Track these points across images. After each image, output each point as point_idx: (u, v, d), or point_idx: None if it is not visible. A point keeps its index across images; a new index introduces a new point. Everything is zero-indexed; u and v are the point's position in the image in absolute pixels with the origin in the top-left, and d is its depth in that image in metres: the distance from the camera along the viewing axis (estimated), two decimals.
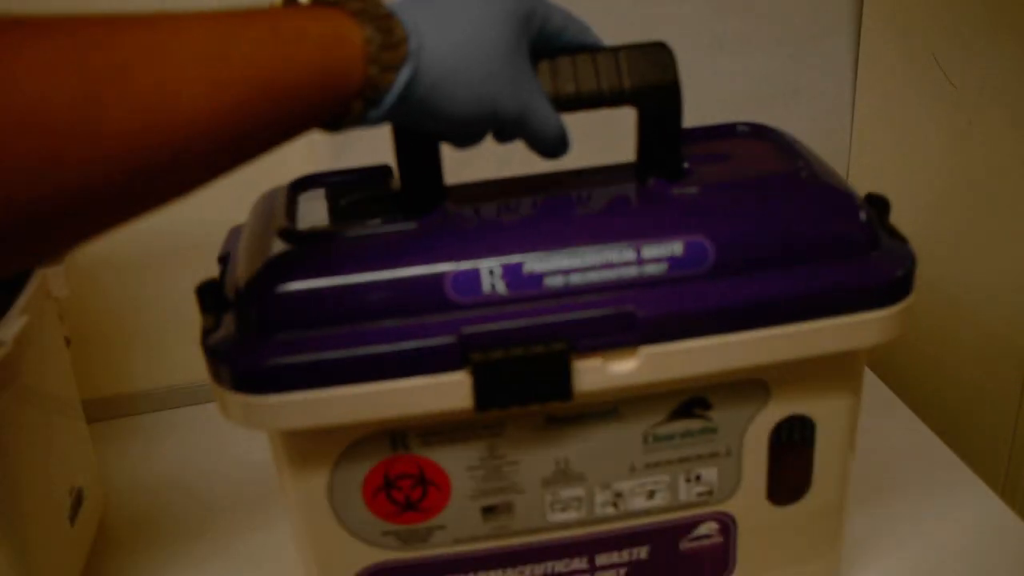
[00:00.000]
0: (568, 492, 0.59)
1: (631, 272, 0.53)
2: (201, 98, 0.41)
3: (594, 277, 0.53)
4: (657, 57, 0.57)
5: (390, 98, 0.48)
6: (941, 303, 0.95)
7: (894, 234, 0.58)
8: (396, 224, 0.55)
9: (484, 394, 0.52)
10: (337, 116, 0.48)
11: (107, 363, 1.01)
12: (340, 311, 0.52)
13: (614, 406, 0.57)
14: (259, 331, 0.52)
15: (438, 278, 0.52)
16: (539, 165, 0.62)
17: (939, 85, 0.90)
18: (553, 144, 0.55)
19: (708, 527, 0.62)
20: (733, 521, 0.62)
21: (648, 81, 0.57)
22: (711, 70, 1.02)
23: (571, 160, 0.60)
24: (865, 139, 1.06)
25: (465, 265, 0.52)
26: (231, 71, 0.42)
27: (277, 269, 0.53)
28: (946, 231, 0.93)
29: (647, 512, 0.61)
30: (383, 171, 0.63)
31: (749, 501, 0.62)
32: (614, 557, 0.62)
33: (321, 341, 0.51)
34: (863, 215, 0.55)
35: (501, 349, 0.51)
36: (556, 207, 0.58)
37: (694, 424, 0.58)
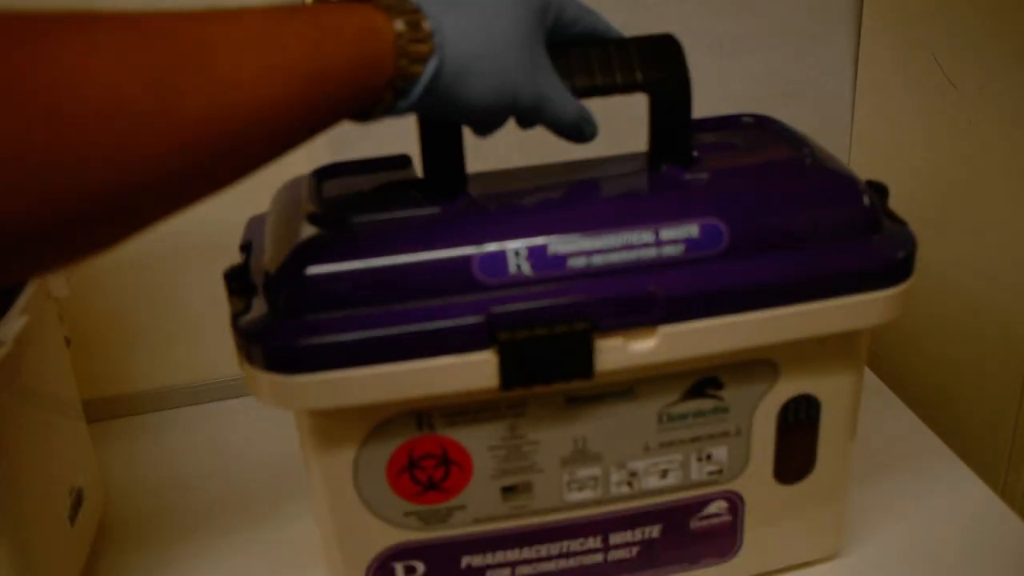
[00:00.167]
0: (585, 471, 0.67)
1: (650, 253, 0.60)
2: (259, 85, 0.47)
3: (615, 258, 0.60)
4: (667, 49, 0.65)
5: (418, 89, 0.55)
6: (941, 302, 1.00)
7: (894, 218, 0.66)
8: (421, 209, 0.62)
9: (509, 373, 0.59)
10: (368, 106, 0.55)
11: (107, 363, 1.05)
12: (370, 293, 0.59)
13: (630, 386, 0.64)
14: (290, 312, 0.58)
15: (466, 259, 0.59)
16: (553, 155, 0.70)
17: (939, 85, 0.95)
18: (572, 128, 0.63)
19: (718, 506, 0.70)
20: (741, 500, 0.70)
21: (659, 72, 0.65)
22: (711, 70, 1.07)
23: (583, 152, 0.68)
24: (865, 139, 1.11)
25: (492, 247, 0.59)
26: (284, 61, 0.47)
27: (308, 253, 0.59)
28: (946, 230, 0.98)
29: (660, 491, 0.68)
30: (403, 160, 0.70)
31: (757, 480, 0.69)
32: (627, 536, 0.70)
33: (351, 322, 0.58)
34: (866, 199, 0.63)
35: (526, 328, 0.58)
36: (576, 192, 0.65)
37: (706, 404, 0.66)
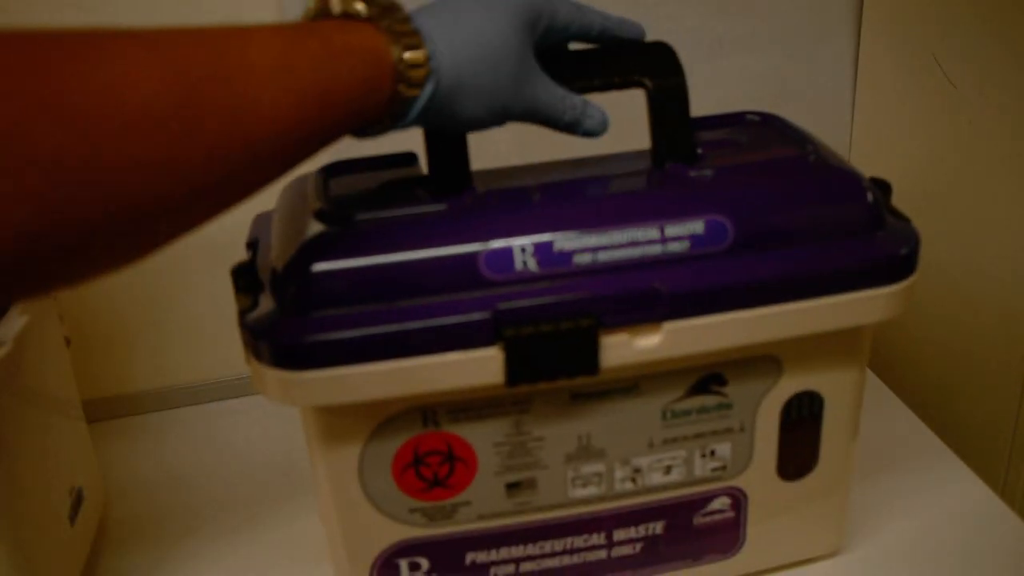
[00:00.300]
0: (589, 468, 0.68)
1: (655, 250, 0.61)
2: (276, 103, 0.48)
3: (620, 255, 0.61)
4: (661, 53, 0.67)
5: (414, 111, 0.57)
6: (940, 302, 1.01)
7: (897, 215, 0.67)
8: (427, 206, 0.63)
9: (515, 369, 0.60)
10: (366, 125, 0.57)
11: (107, 363, 1.06)
12: (376, 289, 0.59)
13: (635, 382, 0.65)
14: (297, 309, 0.59)
15: (472, 256, 0.60)
16: (558, 152, 0.71)
17: (939, 85, 0.96)
18: (572, 126, 0.65)
19: (721, 502, 0.71)
20: (744, 496, 0.71)
21: (655, 73, 0.67)
22: (711, 70, 1.08)
23: (587, 149, 0.69)
24: (865, 139, 1.12)
25: (498, 243, 0.60)
26: (296, 80, 0.49)
27: (315, 249, 0.60)
28: (946, 230, 0.98)
29: (663, 487, 0.69)
30: (409, 157, 0.71)
31: (760, 476, 0.71)
32: (631, 532, 0.71)
33: (358, 318, 0.59)
34: (870, 196, 0.64)
35: (532, 325, 0.59)
36: (582, 189, 0.66)
37: (710, 400, 0.67)
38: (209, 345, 1.07)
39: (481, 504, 0.68)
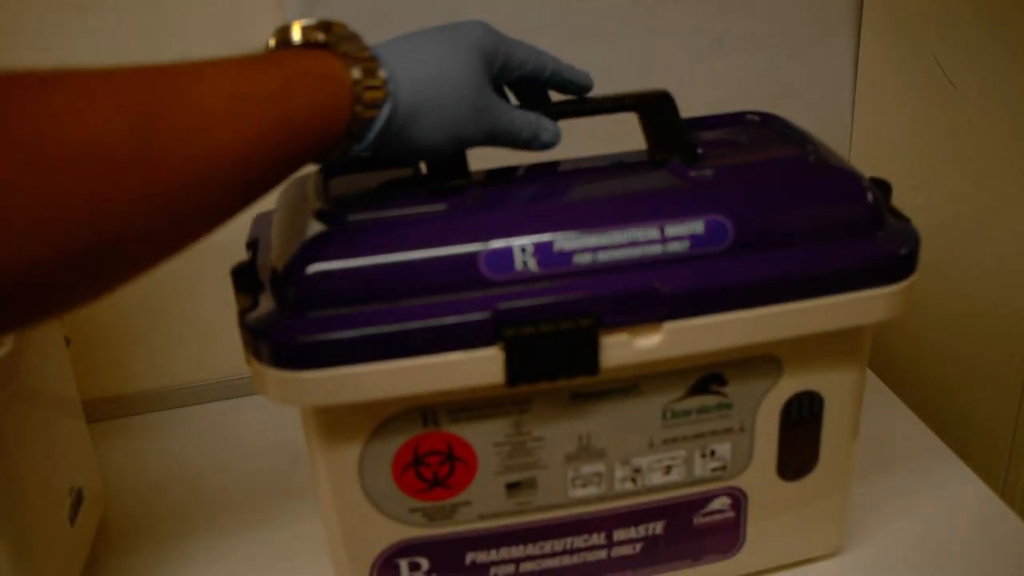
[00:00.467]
0: (589, 468, 0.68)
1: (655, 250, 0.62)
2: (229, 133, 0.49)
3: (620, 255, 0.61)
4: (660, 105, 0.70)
5: (372, 133, 0.58)
6: (940, 302, 1.01)
7: (897, 215, 0.67)
8: (427, 206, 0.63)
9: (515, 369, 0.60)
10: (327, 150, 0.58)
11: (107, 363, 1.06)
12: (377, 289, 0.60)
13: (635, 382, 0.65)
14: (297, 309, 0.59)
15: (472, 256, 0.60)
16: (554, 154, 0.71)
17: (939, 85, 0.96)
18: (529, 143, 0.67)
19: (721, 502, 0.71)
20: (744, 496, 0.71)
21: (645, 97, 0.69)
22: (711, 70, 1.08)
23: (587, 150, 0.69)
24: (865, 139, 1.12)
25: (498, 243, 0.60)
26: (250, 108, 0.50)
27: (314, 249, 0.60)
28: (945, 230, 0.98)
29: (663, 487, 0.69)
30: None
31: (760, 476, 0.71)
32: (631, 532, 0.71)
33: (358, 318, 0.59)
34: (870, 196, 0.64)
35: (532, 325, 0.59)
36: (582, 189, 0.67)
37: (710, 400, 0.67)
38: (209, 345, 1.08)
39: (481, 504, 0.68)
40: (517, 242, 0.61)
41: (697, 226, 0.62)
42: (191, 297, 1.05)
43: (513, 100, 0.70)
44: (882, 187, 0.67)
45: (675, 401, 0.67)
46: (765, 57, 1.10)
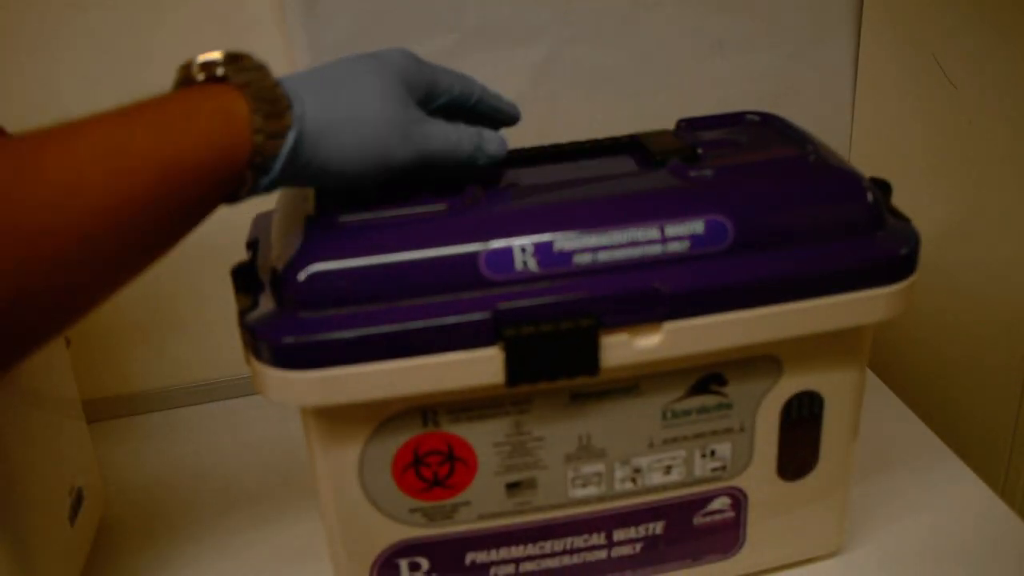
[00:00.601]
0: (589, 468, 0.68)
1: (655, 250, 0.61)
2: (104, 188, 0.48)
3: (620, 255, 0.61)
4: None
5: (278, 163, 0.56)
6: (940, 302, 1.01)
7: (898, 215, 0.67)
8: (427, 205, 0.63)
9: (515, 369, 0.60)
10: (235, 187, 0.56)
11: (107, 363, 1.07)
12: (377, 289, 0.60)
13: (635, 382, 0.65)
14: (297, 309, 0.59)
15: (472, 256, 0.60)
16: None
17: (939, 85, 0.96)
18: (471, 160, 0.65)
19: (721, 502, 0.71)
20: (744, 496, 0.71)
21: None
22: (711, 70, 1.08)
23: None
24: (865, 139, 1.12)
25: (498, 243, 0.60)
26: (129, 159, 0.49)
27: (315, 249, 0.60)
28: (945, 230, 0.98)
29: (664, 487, 0.69)
30: None
31: (760, 476, 0.71)
32: (631, 532, 0.71)
33: (358, 318, 0.59)
34: (870, 196, 0.64)
35: (532, 325, 0.59)
36: (582, 188, 0.66)
37: (710, 400, 0.67)
38: (209, 345, 1.08)
39: (481, 504, 0.68)
40: (517, 242, 0.61)
41: (697, 226, 0.62)
42: (191, 297, 1.05)
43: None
44: (882, 187, 0.67)
45: (675, 401, 0.67)
46: (765, 57, 1.10)
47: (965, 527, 0.82)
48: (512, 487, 0.67)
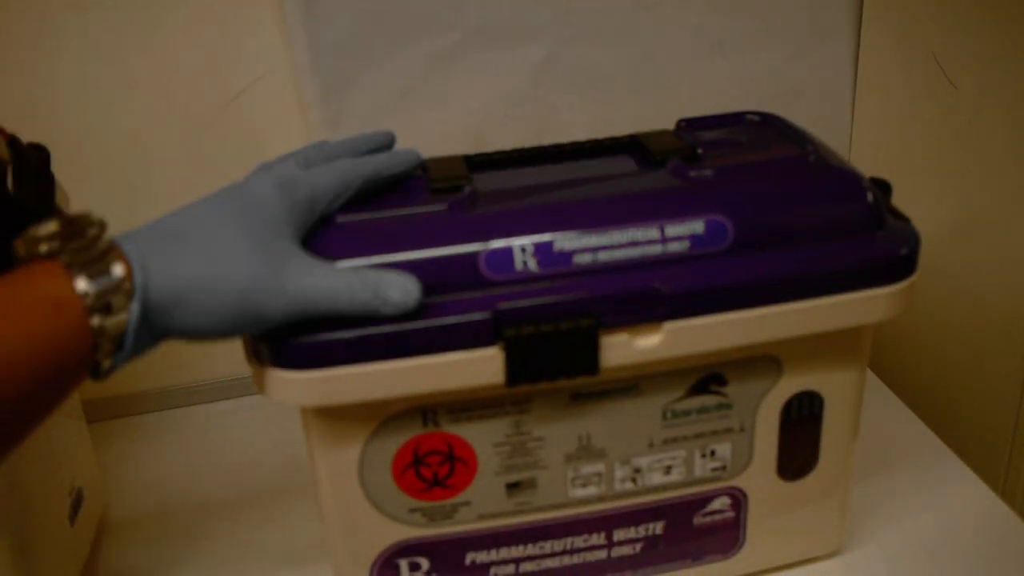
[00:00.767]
0: (589, 468, 0.68)
1: (655, 250, 0.62)
2: None
3: (620, 255, 0.61)
4: None
5: (128, 339, 0.52)
6: (940, 302, 1.01)
7: (898, 215, 0.67)
8: (427, 205, 0.64)
9: (515, 369, 0.60)
10: (89, 368, 0.52)
11: None
12: None
13: (635, 382, 0.66)
14: None
15: (473, 256, 0.60)
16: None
17: (939, 85, 0.96)
18: (369, 309, 0.58)
19: (721, 502, 0.71)
20: (744, 496, 0.71)
21: None
22: (711, 70, 1.08)
23: None
24: (865, 139, 1.12)
25: (498, 244, 0.61)
26: None
27: (314, 249, 0.60)
28: (945, 230, 0.98)
29: (664, 487, 0.69)
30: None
31: (760, 476, 0.71)
32: (631, 532, 0.71)
33: (358, 318, 0.58)
34: (870, 196, 0.64)
35: (532, 325, 0.59)
36: (582, 188, 0.66)
37: (710, 400, 0.67)
38: (208, 345, 1.07)
39: (481, 504, 0.68)
40: (517, 242, 0.61)
41: (697, 226, 0.62)
42: None
43: None
44: (882, 187, 0.67)
45: (675, 401, 0.67)
46: (765, 57, 1.10)
47: (965, 527, 0.82)
48: (512, 487, 0.68)
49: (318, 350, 0.59)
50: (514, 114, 1.06)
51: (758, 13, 1.08)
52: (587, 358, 0.61)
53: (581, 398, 0.66)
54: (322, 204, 0.61)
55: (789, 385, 0.68)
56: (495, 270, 0.61)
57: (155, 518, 0.92)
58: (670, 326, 0.61)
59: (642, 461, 0.68)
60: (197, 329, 0.55)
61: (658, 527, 0.71)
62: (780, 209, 0.64)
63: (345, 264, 0.59)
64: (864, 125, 1.13)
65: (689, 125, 0.75)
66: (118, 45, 0.96)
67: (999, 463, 0.95)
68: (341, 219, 0.63)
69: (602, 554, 0.71)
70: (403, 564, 0.69)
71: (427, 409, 0.64)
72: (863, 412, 0.72)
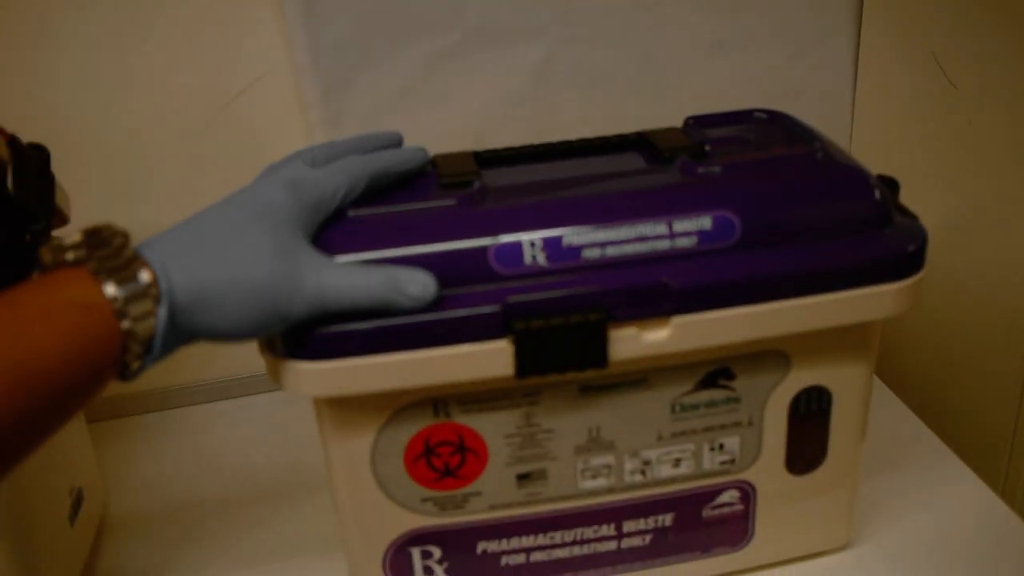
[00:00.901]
0: (599, 460, 0.69)
1: (663, 245, 0.63)
2: None
3: (629, 250, 0.63)
4: None
5: (157, 341, 0.54)
6: (941, 302, 1.02)
7: (905, 212, 0.68)
8: (436, 200, 0.65)
9: (525, 361, 0.62)
10: (117, 370, 0.54)
11: None
12: None
13: (644, 376, 0.67)
14: None
15: (483, 250, 0.62)
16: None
17: (939, 85, 0.96)
18: (383, 304, 0.60)
19: (730, 495, 0.73)
20: (753, 489, 0.73)
21: None
22: (711, 70, 1.09)
23: None
24: (865, 139, 1.13)
25: (508, 238, 0.62)
26: None
27: (326, 243, 0.61)
28: (945, 230, 0.98)
29: (672, 480, 0.71)
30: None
31: (768, 470, 0.72)
32: (640, 524, 0.72)
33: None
34: (877, 193, 0.66)
35: (541, 318, 0.61)
36: (590, 184, 0.68)
37: (719, 394, 0.68)
38: (208, 345, 1.08)
39: (492, 494, 0.69)
40: (527, 236, 0.62)
41: (705, 222, 0.63)
42: None
43: None
44: (890, 184, 0.69)
45: (684, 395, 0.68)
46: (765, 57, 1.10)
47: (965, 527, 0.83)
48: (522, 478, 0.69)
49: (332, 341, 0.60)
50: (514, 114, 1.07)
51: (758, 13, 1.08)
52: (596, 351, 0.62)
53: (590, 391, 0.67)
54: (331, 202, 0.63)
55: (797, 380, 0.69)
56: (505, 264, 0.62)
57: (155, 518, 0.93)
58: (678, 320, 0.63)
59: (651, 454, 0.70)
60: (222, 330, 0.57)
61: (667, 519, 0.73)
62: (788, 205, 0.65)
63: (357, 258, 0.61)
64: (864, 125, 1.14)
65: (697, 122, 0.76)
66: (118, 45, 0.97)
67: (999, 463, 0.96)
68: (352, 214, 0.64)
69: (612, 545, 0.73)
70: (415, 552, 0.70)
71: (438, 400, 0.65)
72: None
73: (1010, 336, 0.93)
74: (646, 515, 0.72)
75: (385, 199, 0.66)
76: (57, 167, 0.76)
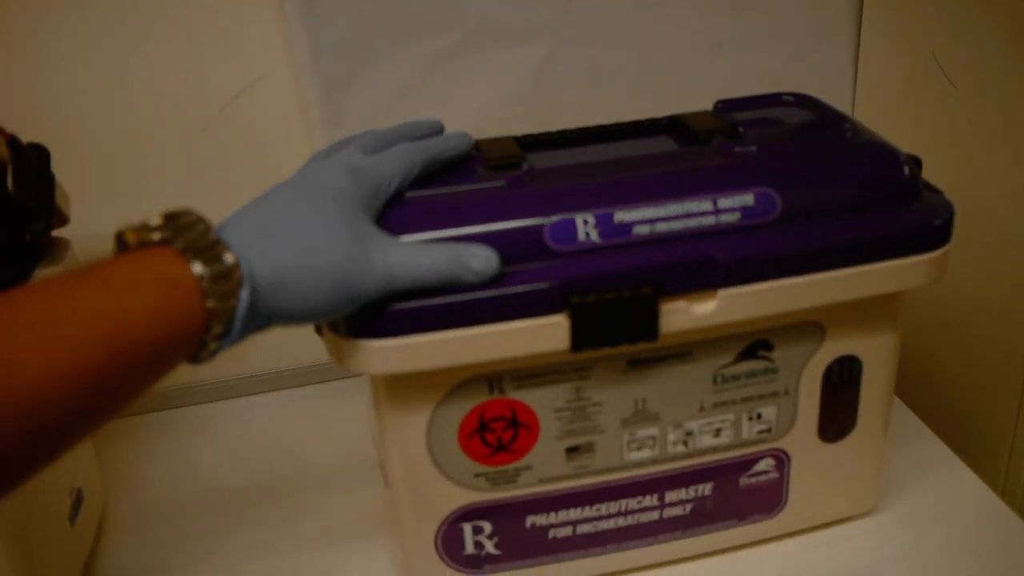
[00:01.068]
0: (644, 431, 0.73)
1: (709, 221, 0.67)
2: (43, 365, 0.46)
3: (677, 226, 0.67)
4: None
5: (237, 323, 0.56)
6: (941, 302, 1.04)
7: (931, 188, 0.73)
8: (486, 182, 0.69)
9: (580, 335, 0.65)
10: (193, 349, 0.55)
11: None
12: None
13: (689, 348, 0.71)
14: None
15: (538, 228, 0.66)
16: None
17: (939, 85, 0.98)
18: (451, 280, 0.64)
19: (766, 463, 0.77)
20: (788, 457, 0.77)
21: None
22: (711, 70, 1.11)
23: None
24: None
25: (562, 216, 0.66)
26: (67, 333, 0.48)
27: (387, 224, 0.65)
28: None
29: (713, 450, 0.75)
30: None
31: (802, 438, 0.77)
32: (681, 494, 0.76)
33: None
34: (907, 169, 0.70)
35: (596, 293, 0.64)
36: (634, 163, 0.72)
37: (758, 365, 0.73)
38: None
39: (542, 468, 0.73)
40: (580, 215, 0.66)
41: (747, 198, 0.68)
42: None
43: None
44: (916, 162, 0.73)
45: (725, 366, 0.72)
46: (765, 57, 1.12)
47: (965, 527, 0.85)
48: (571, 451, 0.73)
49: (393, 319, 0.63)
50: (514, 114, 1.08)
51: (758, 13, 1.10)
52: (647, 324, 0.66)
53: (639, 364, 0.71)
54: (388, 187, 0.66)
55: (831, 350, 0.74)
56: (559, 241, 0.66)
57: (155, 518, 0.94)
58: (724, 293, 0.67)
59: (693, 424, 0.74)
60: (299, 312, 0.59)
61: (707, 488, 0.77)
62: (824, 181, 0.70)
63: (419, 238, 0.64)
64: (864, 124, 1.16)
65: (726, 106, 0.80)
66: (118, 45, 0.98)
67: (999, 463, 0.98)
68: (410, 196, 0.67)
69: (655, 515, 0.77)
70: (467, 528, 0.74)
71: (492, 376, 0.69)
72: None
73: (1010, 336, 0.96)
74: (687, 485, 0.76)
75: (437, 182, 0.69)
76: (57, 167, 0.78)
